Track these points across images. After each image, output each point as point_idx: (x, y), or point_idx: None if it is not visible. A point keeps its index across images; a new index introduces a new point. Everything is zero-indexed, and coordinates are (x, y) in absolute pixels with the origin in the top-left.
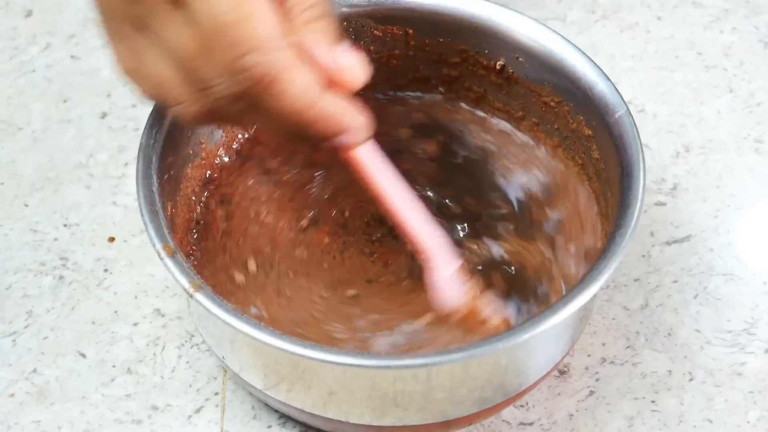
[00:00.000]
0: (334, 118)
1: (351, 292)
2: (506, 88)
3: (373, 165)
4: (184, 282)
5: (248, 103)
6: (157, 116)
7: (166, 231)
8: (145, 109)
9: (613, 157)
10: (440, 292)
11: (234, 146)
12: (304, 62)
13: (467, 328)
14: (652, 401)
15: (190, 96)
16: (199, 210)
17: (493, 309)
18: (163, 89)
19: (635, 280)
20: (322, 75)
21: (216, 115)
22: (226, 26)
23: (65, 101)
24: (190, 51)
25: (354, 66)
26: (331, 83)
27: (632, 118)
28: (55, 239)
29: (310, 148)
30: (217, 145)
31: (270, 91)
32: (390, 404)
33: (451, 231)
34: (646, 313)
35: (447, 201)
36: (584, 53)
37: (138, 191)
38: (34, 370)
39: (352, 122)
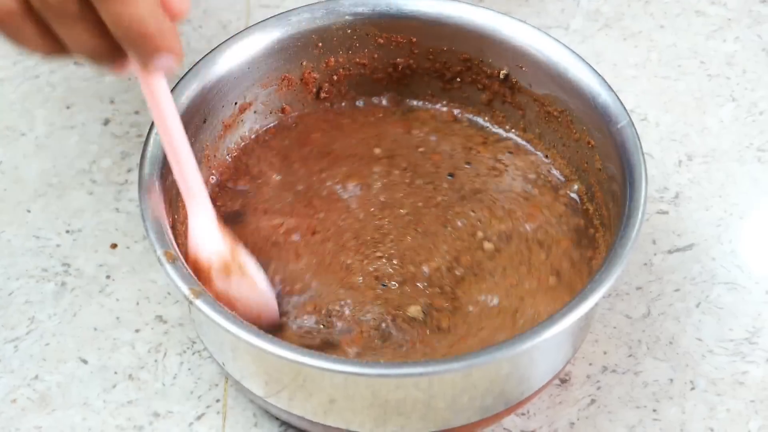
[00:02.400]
0: (165, 37)
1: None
2: (509, 97)
3: (165, 98)
4: (185, 288)
5: (77, 7)
6: None
7: (168, 237)
8: (148, 116)
9: (615, 167)
10: (196, 238)
11: (236, 153)
12: None
13: (221, 277)
14: (654, 410)
15: None
16: None
17: (248, 260)
18: None
19: (637, 288)
20: None
21: (26, 20)
22: None
23: (68, 107)
24: None
25: None
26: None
27: (634, 128)
28: (58, 245)
29: (112, 62)
30: (220, 151)
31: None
32: (391, 412)
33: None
34: (647, 322)
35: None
36: (587, 63)
37: (140, 198)
38: (36, 376)
39: (176, 46)
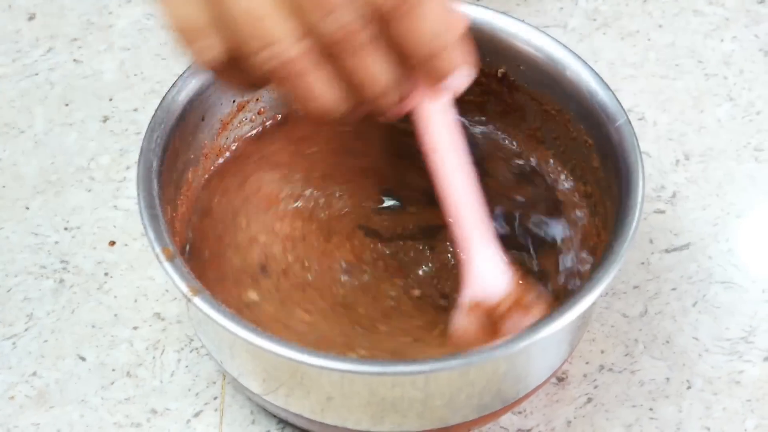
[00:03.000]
0: (456, 53)
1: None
2: (507, 96)
3: (451, 126)
4: (183, 286)
5: (367, 37)
6: (159, 120)
7: (166, 235)
8: (147, 113)
9: (612, 165)
10: (484, 278)
11: (234, 151)
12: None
13: (515, 314)
14: (650, 409)
15: (299, 32)
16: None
17: (536, 294)
18: (261, 29)
19: (634, 287)
20: None
21: (309, 65)
22: None
23: (67, 104)
24: None
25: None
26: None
27: (632, 127)
28: (56, 242)
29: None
30: (218, 149)
31: (415, 8)
32: (388, 410)
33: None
34: (644, 321)
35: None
36: (585, 62)
37: (138, 195)
38: (34, 373)
39: (470, 60)
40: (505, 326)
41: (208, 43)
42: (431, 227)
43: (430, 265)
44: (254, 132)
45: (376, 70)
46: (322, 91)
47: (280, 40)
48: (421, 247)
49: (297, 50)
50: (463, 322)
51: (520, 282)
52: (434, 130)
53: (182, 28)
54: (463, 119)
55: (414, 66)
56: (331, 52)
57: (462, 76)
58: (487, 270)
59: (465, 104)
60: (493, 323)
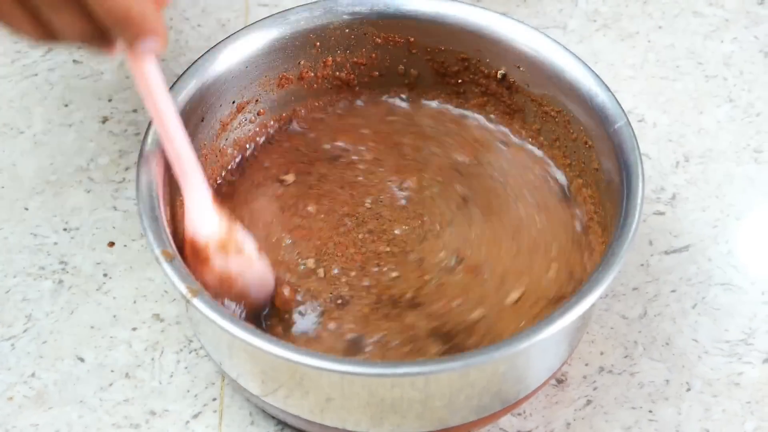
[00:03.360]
0: (150, 21)
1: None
2: (507, 97)
3: (154, 80)
4: (182, 287)
5: None
6: None
7: (165, 236)
8: (146, 114)
9: (612, 167)
10: (193, 218)
11: (233, 152)
12: None
13: (221, 255)
14: (650, 411)
15: None
16: None
17: (245, 238)
18: None
19: (634, 289)
20: None
21: (16, 7)
22: None
23: (67, 105)
24: None
25: None
26: None
27: (632, 128)
28: (55, 243)
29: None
30: (217, 149)
31: None
32: (388, 412)
33: None
34: (644, 323)
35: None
36: (585, 63)
37: (138, 196)
38: (33, 374)
39: (161, 30)
40: (215, 265)
41: None
42: None
43: None
44: (255, 134)
45: (65, 23)
46: (24, 27)
47: None
48: None
49: None
50: (187, 253)
51: (230, 228)
52: (142, 84)
53: None
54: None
55: (104, 27)
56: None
57: (153, 43)
58: (195, 211)
59: (467, 104)
60: (203, 260)
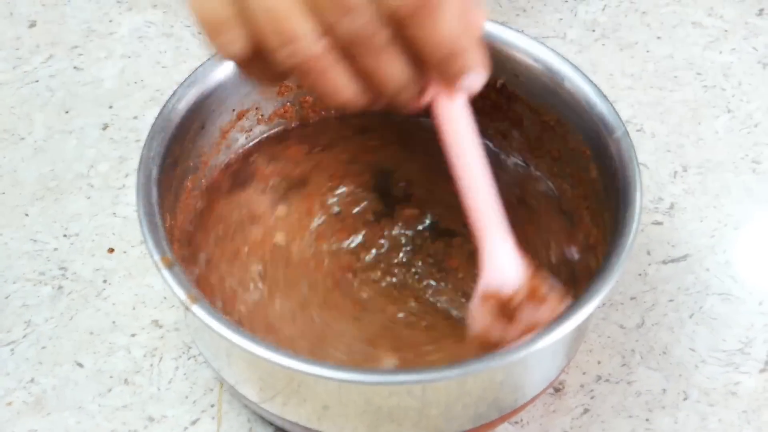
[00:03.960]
0: (475, 53)
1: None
2: (506, 107)
3: (465, 123)
4: (181, 294)
5: (385, 39)
6: (159, 128)
7: (164, 243)
8: (147, 121)
9: (610, 177)
10: (499, 269)
11: (233, 160)
12: None
13: (530, 306)
14: (647, 419)
15: (319, 30)
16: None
17: (549, 286)
18: (283, 25)
19: (631, 298)
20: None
21: (328, 62)
22: None
23: (67, 111)
24: None
25: (480, 12)
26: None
27: (630, 138)
28: (55, 249)
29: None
30: (217, 157)
31: (432, 13)
32: (384, 419)
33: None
34: (641, 332)
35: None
36: (583, 73)
37: (138, 203)
38: (32, 380)
39: (484, 63)
40: (521, 318)
41: (231, 37)
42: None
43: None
44: (254, 139)
45: (392, 70)
46: (342, 86)
47: (300, 38)
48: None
49: (316, 48)
50: (478, 313)
51: (534, 274)
52: (451, 128)
53: (206, 21)
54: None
55: (429, 67)
56: (349, 51)
57: (476, 78)
58: (501, 261)
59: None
60: (509, 315)
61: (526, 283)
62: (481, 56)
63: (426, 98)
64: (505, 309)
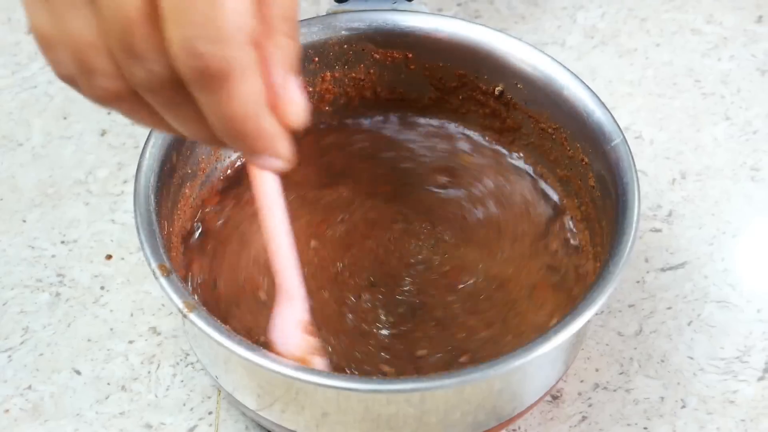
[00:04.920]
0: (267, 140)
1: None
2: (504, 114)
3: (270, 191)
4: (179, 302)
5: (179, 94)
6: (158, 135)
7: (162, 250)
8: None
9: (608, 184)
10: (279, 335)
11: (233, 167)
12: (259, 72)
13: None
14: (645, 428)
15: (114, 70)
16: (196, 229)
17: (321, 362)
18: (85, 56)
19: (629, 306)
20: (269, 93)
21: (134, 101)
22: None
23: (66, 117)
24: (132, 15)
25: (299, 104)
26: (272, 108)
27: (628, 146)
28: (53, 255)
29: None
30: (215, 165)
31: (217, 88)
32: (383, 427)
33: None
34: (639, 339)
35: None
36: (582, 80)
37: (135, 210)
38: (29, 387)
39: (281, 151)
40: None
41: (58, 57)
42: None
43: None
44: None
45: (187, 125)
46: (155, 124)
47: (100, 72)
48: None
49: (113, 85)
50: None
51: (312, 348)
52: (260, 192)
53: (38, 34)
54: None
55: (220, 137)
56: (151, 99)
57: (273, 163)
58: (282, 328)
59: (465, 120)
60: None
61: (300, 354)
62: (279, 145)
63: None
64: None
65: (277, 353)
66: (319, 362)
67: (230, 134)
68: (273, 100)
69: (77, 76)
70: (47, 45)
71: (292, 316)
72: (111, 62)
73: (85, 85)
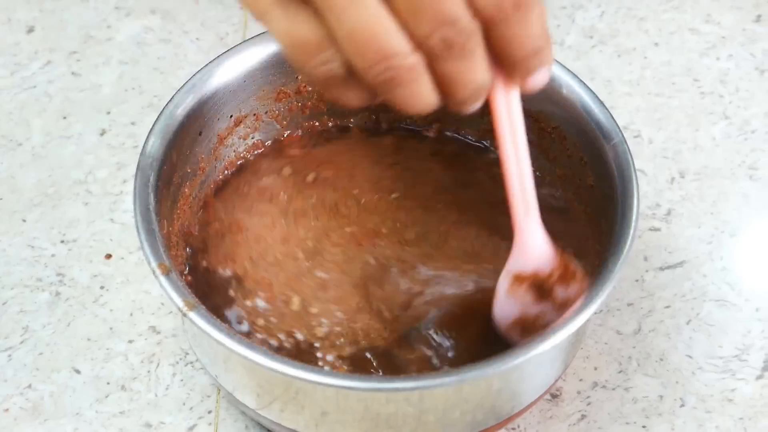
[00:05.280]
0: (551, 50)
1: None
2: None
3: (519, 114)
4: (179, 301)
5: (476, 41)
6: (157, 134)
7: (162, 249)
8: (145, 127)
9: (607, 184)
10: (534, 250)
11: (230, 165)
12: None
13: (563, 284)
14: (643, 426)
15: (410, 46)
16: (196, 229)
17: (576, 264)
18: (378, 42)
19: (628, 304)
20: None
21: (422, 77)
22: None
23: (65, 117)
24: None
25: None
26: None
27: (627, 146)
28: (53, 255)
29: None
30: (215, 163)
31: (523, 13)
32: (382, 426)
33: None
34: (638, 338)
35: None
36: (581, 80)
37: (135, 209)
38: (29, 386)
39: (551, 58)
40: (556, 296)
41: (324, 58)
42: None
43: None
44: (252, 147)
45: (476, 72)
46: (425, 95)
47: (394, 54)
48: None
49: (410, 61)
50: (513, 295)
51: (562, 253)
52: (507, 119)
53: (295, 45)
54: (457, 135)
55: (508, 64)
56: (439, 58)
57: (546, 71)
58: (535, 243)
59: (462, 121)
60: (545, 294)
61: (557, 262)
62: (553, 54)
63: (488, 97)
64: (542, 289)
65: (540, 272)
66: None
67: (529, 53)
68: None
69: (362, 66)
70: (309, 52)
71: (538, 233)
72: (407, 37)
73: (370, 74)
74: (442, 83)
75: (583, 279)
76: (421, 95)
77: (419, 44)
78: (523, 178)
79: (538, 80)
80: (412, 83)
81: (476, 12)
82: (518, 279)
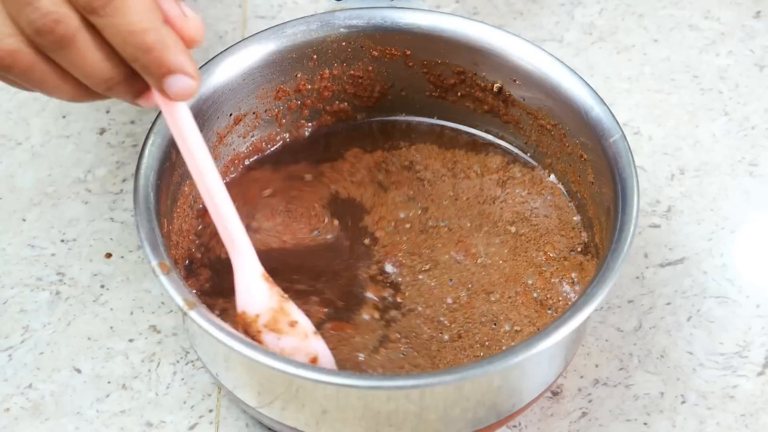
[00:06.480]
0: (171, 51)
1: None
2: (503, 110)
3: (189, 131)
4: (179, 299)
5: (81, 20)
6: (157, 133)
7: (162, 248)
8: (144, 126)
9: (607, 180)
10: (242, 292)
11: (230, 163)
12: None
13: (276, 330)
14: (645, 423)
15: (10, 28)
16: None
17: (298, 313)
18: None
19: (629, 301)
20: (163, 12)
21: (30, 58)
22: None
23: (64, 116)
24: None
25: (194, 18)
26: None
27: (627, 142)
28: (53, 254)
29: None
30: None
31: (112, 8)
32: (383, 424)
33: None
34: (639, 335)
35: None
36: (580, 76)
37: (135, 208)
38: (30, 385)
39: (187, 65)
40: (266, 342)
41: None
42: None
43: None
44: (252, 146)
45: (89, 63)
46: (53, 82)
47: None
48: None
49: (9, 44)
50: (237, 326)
51: (282, 304)
52: (177, 134)
53: None
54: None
55: (130, 62)
56: (42, 45)
57: (183, 82)
58: (244, 283)
59: (464, 117)
60: (253, 335)
61: (270, 310)
62: (186, 59)
63: (153, 97)
64: (249, 331)
65: (247, 313)
66: (294, 308)
67: (133, 50)
68: (169, 20)
69: None
70: None
71: (250, 269)
72: (4, 21)
73: None
74: (68, 72)
75: (301, 336)
76: (44, 81)
77: (17, 27)
78: (218, 206)
79: (176, 91)
80: (29, 69)
81: (71, 2)
82: (238, 317)
